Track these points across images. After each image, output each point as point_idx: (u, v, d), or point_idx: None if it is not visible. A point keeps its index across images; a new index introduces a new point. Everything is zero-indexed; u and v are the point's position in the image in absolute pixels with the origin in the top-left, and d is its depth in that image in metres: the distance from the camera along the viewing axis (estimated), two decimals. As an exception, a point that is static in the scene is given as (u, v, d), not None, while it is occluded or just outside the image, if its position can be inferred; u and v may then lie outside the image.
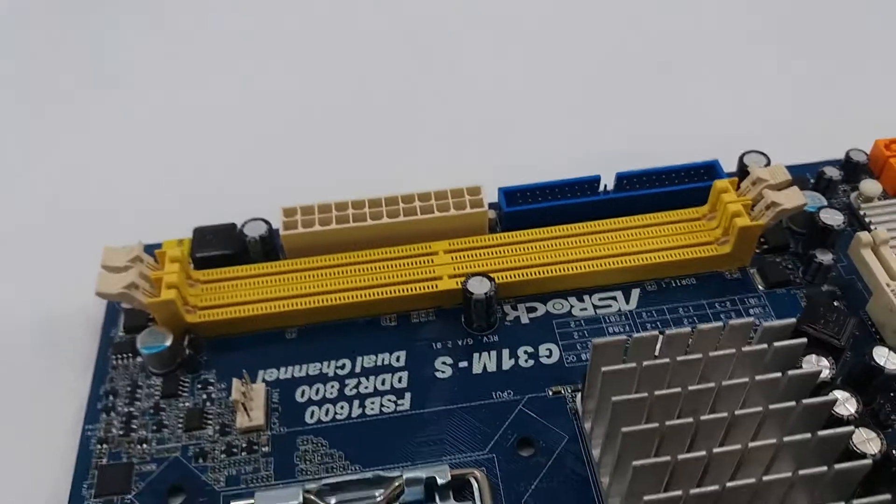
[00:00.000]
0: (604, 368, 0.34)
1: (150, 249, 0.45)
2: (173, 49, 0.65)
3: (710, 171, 0.49)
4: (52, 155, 0.57)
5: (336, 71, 0.63)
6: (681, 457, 0.31)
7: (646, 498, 0.30)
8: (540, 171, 0.50)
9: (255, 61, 0.64)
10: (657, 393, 0.33)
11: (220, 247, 0.46)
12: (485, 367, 0.42)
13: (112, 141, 0.58)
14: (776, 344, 0.34)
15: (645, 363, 0.34)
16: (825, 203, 0.47)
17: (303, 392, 0.42)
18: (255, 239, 0.45)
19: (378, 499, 0.36)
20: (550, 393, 0.41)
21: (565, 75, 0.61)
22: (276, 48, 0.65)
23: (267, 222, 0.46)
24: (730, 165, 0.49)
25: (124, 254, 0.42)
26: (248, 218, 0.46)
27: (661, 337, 0.35)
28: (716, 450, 0.31)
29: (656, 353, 0.35)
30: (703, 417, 0.32)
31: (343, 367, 0.43)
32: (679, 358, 0.34)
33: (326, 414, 0.41)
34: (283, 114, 0.59)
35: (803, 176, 0.50)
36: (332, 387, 0.42)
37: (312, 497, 0.36)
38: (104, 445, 0.40)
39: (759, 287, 0.45)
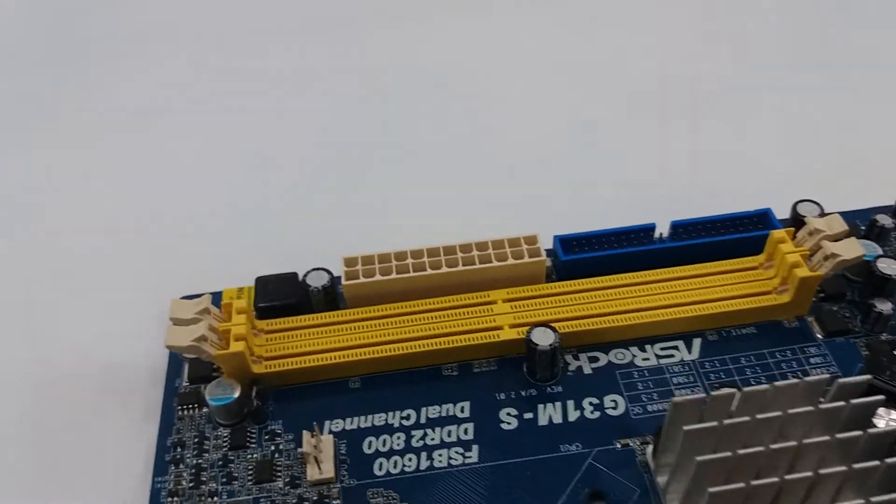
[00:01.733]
0: (686, 428, 0.34)
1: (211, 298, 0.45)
2: (238, 90, 0.66)
3: (762, 219, 0.49)
4: (114, 200, 0.58)
5: (392, 119, 0.63)
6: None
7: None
8: (590, 218, 0.50)
9: (318, 110, 0.65)
10: (741, 452, 0.33)
11: (282, 296, 0.46)
12: (550, 418, 0.42)
13: (175, 187, 0.59)
14: (854, 402, 0.34)
15: (726, 421, 0.34)
16: (880, 251, 0.48)
17: (370, 443, 0.42)
18: (318, 289, 0.45)
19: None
20: (619, 446, 0.41)
21: (610, 120, 0.62)
22: (339, 94, 0.66)
23: (329, 272, 0.46)
24: (780, 210, 0.50)
25: (192, 306, 0.42)
26: (310, 268, 0.46)
27: (738, 394, 0.35)
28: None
29: (733, 410, 0.35)
30: (787, 477, 0.32)
31: (408, 417, 0.43)
32: (759, 416, 0.34)
33: (395, 466, 0.41)
34: (342, 162, 0.60)
35: (853, 223, 0.51)
36: (399, 438, 0.42)
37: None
38: (175, 498, 0.40)
39: (818, 336, 0.46)
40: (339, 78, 0.67)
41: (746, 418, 0.34)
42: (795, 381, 0.35)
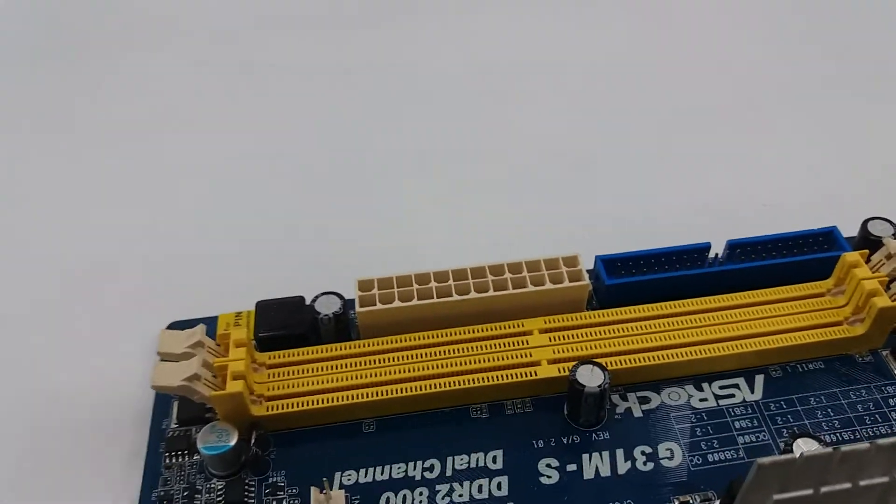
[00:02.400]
0: (777, 497, 0.28)
1: (204, 323, 0.39)
2: (237, 99, 0.60)
3: (828, 238, 0.44)
4: (99, 216, 0.52)
5: (412, 127, 0.57)
6: None
7: None
8: (635, 238, 0.44)
9: (329, 115, 0.59)
10: None
11: (287, 325, 0.40)
12: (597, 470, 0.37)
13: (165, 202, 0.52)
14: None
15: (823, 489, 0.28)
16: (965, 277, 0.42)
17: (387, 499, 0.36)
18: (329, 316, 0.40)
19: None
20: (676, 503, 0.35)
21: (657, 130, 0.56)
22: (353, 96, 0.60)
23: (340, 297, 0.40)
24: (846, 228, 0.44)
25: (184, 338, 0.36)
26: (319, 292, 0.40)
27: (834, 453, 0.29)
28: None
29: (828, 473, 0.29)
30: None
31: (431, 468, 0.37)
32: (863, 482, 0.28)
33: (417, 529, 0.35)
34: (355, 173, 0.54)
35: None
36: (421, 493, 0.37)
37: None
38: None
39: (894, 371, 0.40)
40: (353, 79, 0.61)
41: (847, 485, 0.28)
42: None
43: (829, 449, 0.29)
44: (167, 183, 0.53)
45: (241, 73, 0.61)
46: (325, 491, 0.34)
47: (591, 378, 0.37)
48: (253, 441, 0.37)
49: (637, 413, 0.39)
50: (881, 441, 0.30)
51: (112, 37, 0.65)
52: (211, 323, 0.41)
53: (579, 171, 0.53)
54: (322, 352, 0.40)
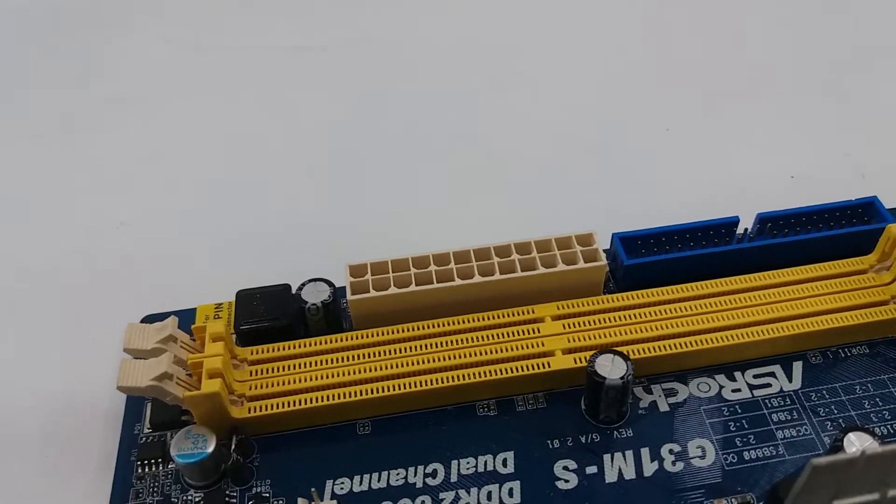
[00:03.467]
0: (835, 503, 0.24)
1: (182, 316, 0.35)
2: (211, 77, 0.55)
3: (868, 210, 0.40)
4: (69, 203, 0.48)
5: (407, 102, 0.53)
6: None
7: None
8: (655, 215, 0.41)
9: (315, 89, 0.54)
10: None
11: (271, 316, 0.36)
12: (620, 472, 0.33)
13: (139, 186, 0.48)
14: None
15: (891, 493, 0.24)
16: None
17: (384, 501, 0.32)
18: (317, 306, 0.35)
19: None
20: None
21: (679, 99, 0.52)
22: (341, 71, 0.55)
23: (330, 284, 0.36)
24: (888, 199, 0.40)
25: (154, 332, 0.32)
26: (307, 279, 0.36)
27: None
28: None
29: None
30: None
31: (434, 474, 0.33)
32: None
33: (419, 541, 0.31)
34: (345, 151, 0.49)
35: None
36: (423, 503, 0.32)
37: None
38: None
39: (949, 355, 0.36)
40: (343, 60, 0.56)
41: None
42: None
43: (894, 446, 0.25)
44: (143, 171, 0.49)
45: (219, 57, 0.56)
46: (313, 502, 0.30)
47: (612, 369, 0.33)
48: (233, 447, 0.33)
49: (663, 407, 0.35)
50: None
51: (76, 19, 0.60)
52: (189, 316, 0.37)
53: (593, 153, 0.49)
54: (310, 345, 0.36)
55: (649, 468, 0.33)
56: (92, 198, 0.47)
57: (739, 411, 0.35)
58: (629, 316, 0.37)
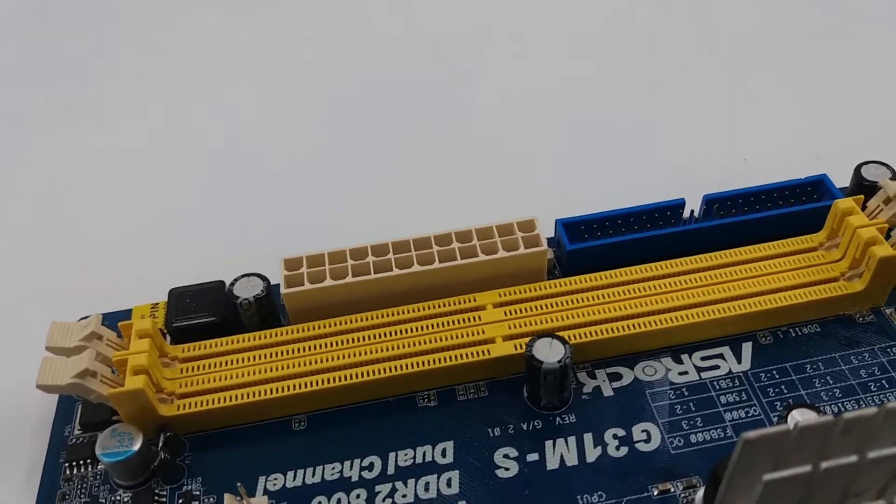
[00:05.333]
0: (767, 477, 0.23)
1: (114, 318, 0.35)
2: (148, 72, 0.54)
3: (817, 188, 0.39)
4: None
5: (351, 88, 0.53)
6: None
7: None
8: (599, 200, 0.40)
9: (251, 81, 0.53)
10: None
11: (203, 313, 0.35)
12: (562, 459, 0.32)
13: (68, 181, 0.47)
14: None
15: (824, 465, 0.23)
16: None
17: (319, 496, 0.31)
18: (250, 301, 0.35)
19: None
20: (656, 492, 0.31)
21: (621, 82, 0.51)
22: (280, 65, 0.55)
23: (264, 278, 0.35)
24: (838, 178, 0.40)
25: (77, 330, 0.32)
26: (240, 274, 0.35)
27: (835, 422, 0.24)
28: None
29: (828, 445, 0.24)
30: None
31: (370, 467, 0.33)
32: (871, 454, 0.23)
33: (353, 536, 0.30)
34: (278, 141, 0.49)
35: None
36: (359, 496, 0.32)
37: None
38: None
39: (902, 332, 0.35)
40: (275, 51, 0.55)
41: (853, 458, 0.23)
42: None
43: (829, 417, 0.24)
44: (82, 170, 0.47)
45: (149, 53, 0.55)
46: (241, 499, 0.29)
47: (549, 353, 0.32)
48: (161, 445, 0.31)
49: (607, 392, 0.34)
50: (891, 405, 0.24)
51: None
52: (125, 318, 0.36)
53: (539, 138, 0.48)
54: (243, 341, 0.35)
55: (592, 454, 0.32)
56: (29, 197, 0.46)
57: (686, 394, 0.34)
58: (572, 301, 0.36)
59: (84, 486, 0.32)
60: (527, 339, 0.34)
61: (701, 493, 0.30)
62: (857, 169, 0.40)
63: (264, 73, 0.54)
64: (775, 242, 0.38)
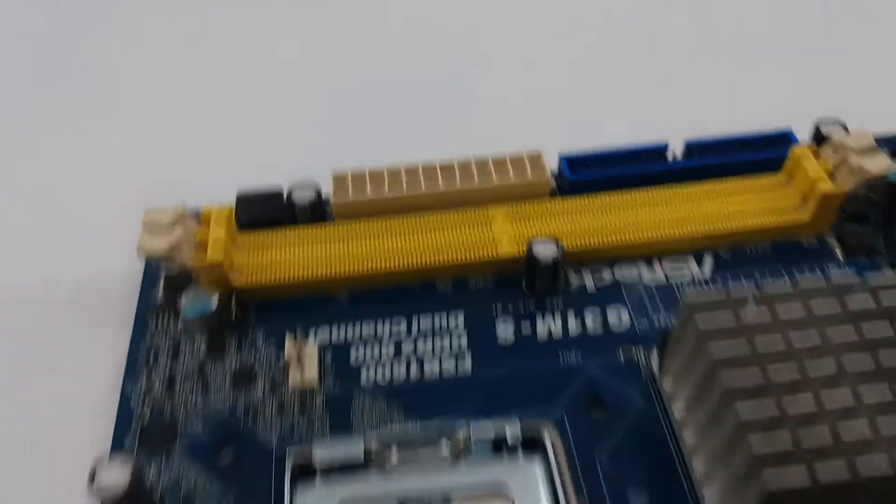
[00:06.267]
0: (700, 323, 0.31)
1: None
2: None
3: (783, 139, 0.46)
4: (87, 116, 0.55)
5: (388, 32, 0.61)
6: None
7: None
8: (596, 141, 0.47)
9: (303, 17, 0.62)
10: (762, 351, 0.30)
11: (266, 212, 0.43)
12: (550, 330, 0.40)
13: (148, 102, 0.56)
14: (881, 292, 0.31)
15: (744, 321, 0.31)
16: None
17: (357, 352, 0.39)
18: (305, 205, 0.43)
19: (444, 454, 0.33)
20: (622, 356, 0.38)
21: (625, 42, 0.59)
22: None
23: (316, 187, 0.43)
24: (803, 135, 0.47)
25: (167, 215, 0.39)
26: (296, 181, 0.44)
27: (756, 294, 0.32)
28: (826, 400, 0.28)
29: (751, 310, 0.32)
30: (813, 375, 0.29)
31: (398, 326, 0.40)
32: (784, 317, 0.31)
33: (382, 376, 0.38)
34: (331, 75, 0.57)
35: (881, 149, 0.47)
36: (388, 348, 0.39)
37: (374, 448, 0.32)
38: (146, 405, 0.37)
39: (839, 256, 0.42)
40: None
41: (768, 318, 0.31)
42: (820, 278, 0.33)
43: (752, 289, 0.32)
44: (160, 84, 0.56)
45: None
46: (297, 340, 0.37)
47: (545, 250, 0.40)
48: (233, 305, 0.40)
49: (591, 286, 0.42)
50: (803, 281, 0.32)
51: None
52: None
53: (544, 76, 0.56)
54: (299, 232, 0.43)
55: (574, 330, 0.40)
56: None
57: (655, 292, 0.41)
58: (568, 215, 0.43)
59: (168, 336, 0.41)
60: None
61: (657, 353, 0.38)
62: (817, 125, 0.47)
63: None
64: (742, 178, 0.45)
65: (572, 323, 0.40)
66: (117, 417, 0.37)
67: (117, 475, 0.30)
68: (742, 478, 0.29)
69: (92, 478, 0.31)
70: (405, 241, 0.42)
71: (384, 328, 0.40)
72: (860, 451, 0.28)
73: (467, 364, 0.38)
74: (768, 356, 0.30)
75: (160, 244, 0.39)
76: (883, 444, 0.28)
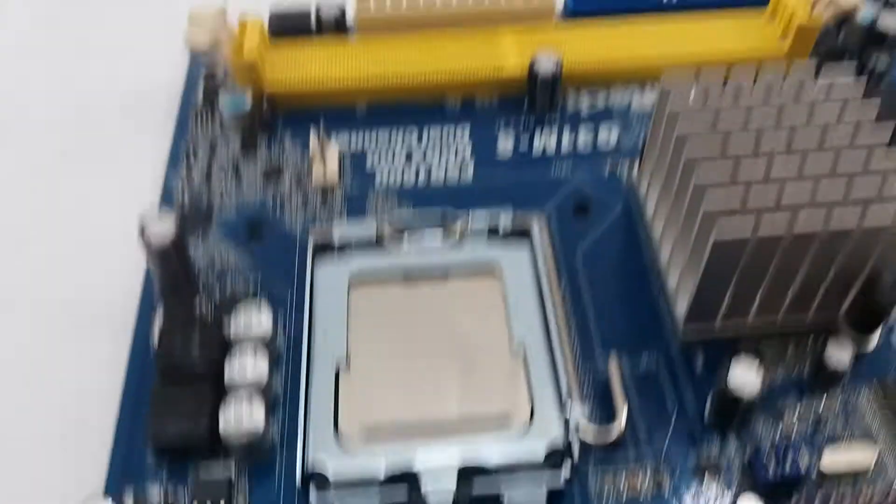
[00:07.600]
0: (672, 108, 0.36)
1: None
2: None
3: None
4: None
5: None
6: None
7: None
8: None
9: None
10: (723, 128, 0.35)
11: (295, 24, 0.48)
12: (545, 145, 0.44)
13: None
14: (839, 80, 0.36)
15: (712, 102, 0.36)
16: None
17: (373, 155, 0.44)
18: (330, 20, 0.47)
19: (445, 236, 0.38)
20: (607, 170, 0.43)
21: None
22: None
23: (341, 6, 0.48)
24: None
25: (209, 17, 0.44)
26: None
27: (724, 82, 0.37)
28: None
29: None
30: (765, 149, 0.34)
31: (410, 136, 0.45)
32: (746, 98, 0.36)
33: (395, 180, 0.43)
34: None
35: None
36: (400, 156, 0.44)
37: (386, 231, 0.38)
38: (186, 191, 0.42)
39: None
40: None
41: (731, 98, 0.36)
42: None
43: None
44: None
45: None
46: (320, 136, 0.42)
47: (546, 64, 0.44)
48: (265, 106, 0.44)
49: (586, 106, 0.46)
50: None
51: None
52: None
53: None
54: (324, 44, 0.47)
55: (567, 148, 0.45)
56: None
57: (646, 120, 0.46)
58: (569, 39, 0.48)
59: (206, 132, 0.45)
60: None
61: (637, 163, 0.43)
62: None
63: None
64: (730, 11, 0.49)
65: (566, 140, 0.44)
66: (160, 202, 0.42)
67: (163, 227, 0.36)
68: (697, 233, 0.33)
69: (142, 231, 0.36)
70: (420, 55, 0.46)
71: (398, 138, 0.45)
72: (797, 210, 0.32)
73: (469, 173, 0.43)
74: (729, 133, 0.35)
75: (204, 38, 0.43)
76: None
